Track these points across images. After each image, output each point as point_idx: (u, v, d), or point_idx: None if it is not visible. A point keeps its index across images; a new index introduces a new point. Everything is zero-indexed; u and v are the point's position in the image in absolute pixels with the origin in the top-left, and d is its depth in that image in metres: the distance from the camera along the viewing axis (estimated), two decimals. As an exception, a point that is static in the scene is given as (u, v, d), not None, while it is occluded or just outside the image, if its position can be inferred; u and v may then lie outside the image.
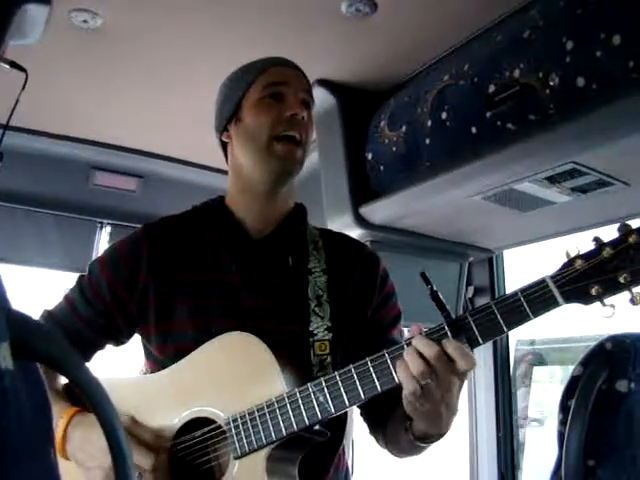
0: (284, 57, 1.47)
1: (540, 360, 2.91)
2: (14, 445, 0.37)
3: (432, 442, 1.27)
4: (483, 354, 2.71)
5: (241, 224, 1.45)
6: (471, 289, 2.77)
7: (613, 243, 1.06)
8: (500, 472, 2.66)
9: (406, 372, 1.12)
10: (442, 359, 1.10)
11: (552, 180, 1.84)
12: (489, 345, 2.69)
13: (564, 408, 1.12)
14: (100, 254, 1.51)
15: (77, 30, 1.94)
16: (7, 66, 1.87)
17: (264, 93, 1.40)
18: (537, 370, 2.88)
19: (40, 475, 0.41)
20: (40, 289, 3.02)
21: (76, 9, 1.85)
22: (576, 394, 1.09)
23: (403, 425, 1.26)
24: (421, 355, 1.11)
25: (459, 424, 2.82)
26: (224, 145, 1.51)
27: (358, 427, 2.72)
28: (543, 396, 3.03)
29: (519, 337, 2.86)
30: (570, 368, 1.16)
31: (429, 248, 2.51)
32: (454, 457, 3.33)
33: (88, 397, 0.44)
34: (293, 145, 1.38)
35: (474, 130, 1.83)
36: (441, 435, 1.25)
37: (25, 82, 1.93)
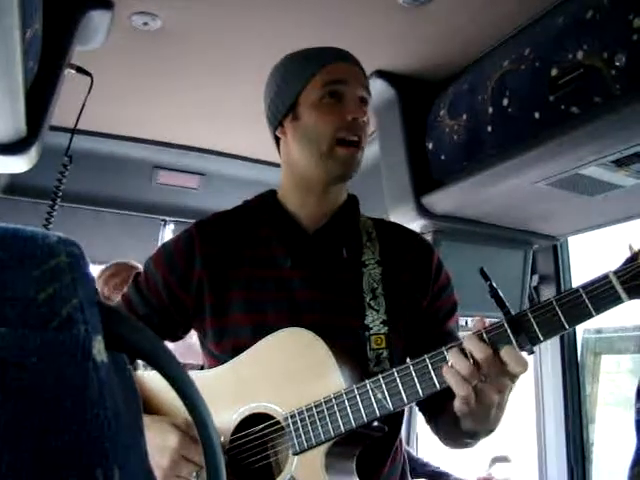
0: (342, 49, 1.43)
1: (608, 349, 2.83)
2: (111, 436, 0.39)
3: (481, 438, 1.29)
4: (550, 343, 2.65)
5: (294, 218, 1.44)
6: (536, 277, 2.73)
7: None
8: (570, 465, 2.60)
9: (455, 376, 1.11)
10: (494, 362, 1.09)
11: (619, 163, 1.79)
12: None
13: (642, 396, 1.09)
14: (154, 252, 1.50)
15: (138, 32, 1.98)
16: (73, 71, 1.92)
17: (324, 91, 1.36)
18: (604, 359, 2.81)
19: (136, 465, 0.42)
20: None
21: (136, 12, 1.88)
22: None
23: (453, 420, 1.25)
24: (471, 357, 1.10)
25: (527, 415, 2.78)
26: (277, 138, 1.49)
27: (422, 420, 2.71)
28: (609, 386, 2.95)
29: (586, 326, 2.80)
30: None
31: (492, 236, 2.48)
32: (522, 448, 3.28)
33: (179, 391, 0.45)
34: (354, 148, 1.36)
35: (537, 115, 1.79)
36: (490, 432, 1.25)
37: (90, 86, 1.98)
